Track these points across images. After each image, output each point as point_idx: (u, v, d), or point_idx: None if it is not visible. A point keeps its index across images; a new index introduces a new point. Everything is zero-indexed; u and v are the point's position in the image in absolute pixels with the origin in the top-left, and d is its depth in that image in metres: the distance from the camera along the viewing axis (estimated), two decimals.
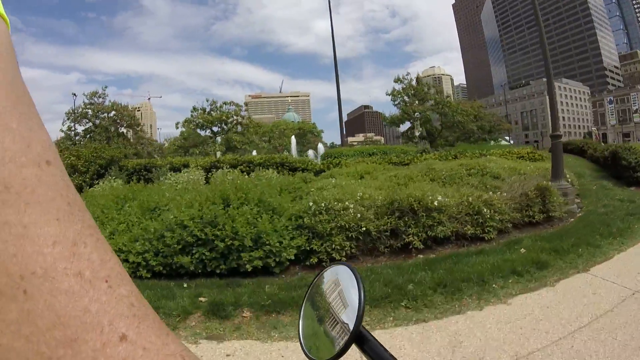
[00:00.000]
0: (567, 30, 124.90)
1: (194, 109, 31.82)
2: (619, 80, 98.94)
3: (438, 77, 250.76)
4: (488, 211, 5.12)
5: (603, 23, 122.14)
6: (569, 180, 7.89)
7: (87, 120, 35.14)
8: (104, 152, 11.07)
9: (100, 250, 0.26)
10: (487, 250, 4.75)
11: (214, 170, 9.87)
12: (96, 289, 0.24)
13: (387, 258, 4.73)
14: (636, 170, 8.92)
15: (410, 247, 4.75)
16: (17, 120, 0.23)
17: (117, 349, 0.23)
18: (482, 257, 4.43)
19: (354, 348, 0.48)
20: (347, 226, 4.56)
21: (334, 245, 4.49)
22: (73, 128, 34.15)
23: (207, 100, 32.28)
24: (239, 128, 33.39)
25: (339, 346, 0.48)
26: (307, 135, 53.51)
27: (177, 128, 35.13)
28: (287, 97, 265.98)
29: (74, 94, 36.99)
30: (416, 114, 29.63)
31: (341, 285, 0.54)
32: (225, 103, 33.21)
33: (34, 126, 0.25)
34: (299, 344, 0.57)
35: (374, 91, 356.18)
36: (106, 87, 37.99)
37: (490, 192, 5.53)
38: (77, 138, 33.22)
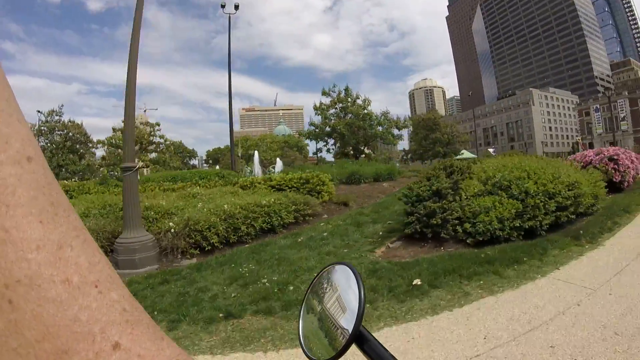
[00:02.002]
0: (557, 39, 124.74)
1: (114, 129, 31.88)
2: (610, 89, 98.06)
3: (429, 90, 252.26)
4: None
5: (594, 32, 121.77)
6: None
7: (44, 138, 35.86)
8: None
9: (88, 252, 0.24)
10: None
11: None
12: (85, 296, 0.23)
13: None
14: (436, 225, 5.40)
15: None
16: None
17: (111, 358, 0.22)
18: None
19: (354, 348, 0.48)
20: None
21: None
22: None
23: (123, 122, 31.97)
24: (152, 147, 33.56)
25: (339, 346, 0.48)
26: (293, 149, 53.37)
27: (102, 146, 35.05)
28: (280, 110, 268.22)
29: (39, 111, 38.24)
30: (327, 128, 28.58)
31: (341, 285, 0.54)
32: (141, 124, 33.32)
33: (13, 121, 0.23)
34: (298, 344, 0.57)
35: (374, 104, 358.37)
36: (62, 105, 38.69)
37: None
38: None
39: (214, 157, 75.18)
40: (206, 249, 5.65)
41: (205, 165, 76.00)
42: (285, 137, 64.71)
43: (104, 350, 0.22)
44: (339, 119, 27.84)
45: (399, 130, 29.68)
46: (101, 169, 32.43)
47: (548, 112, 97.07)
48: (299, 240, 5.95)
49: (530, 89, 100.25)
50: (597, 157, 9.79)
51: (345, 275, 0.54)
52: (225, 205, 6.31)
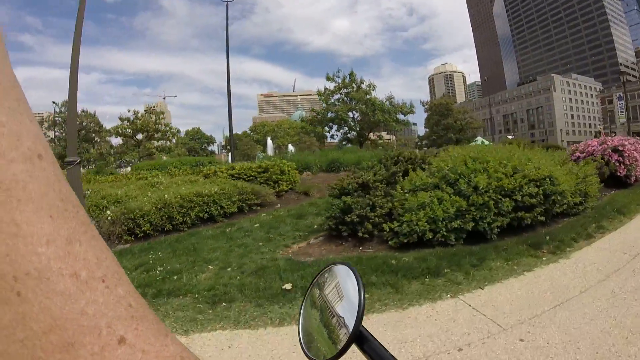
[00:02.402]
0: (580, 23, 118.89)
1: (121, 119, 32.71)
2: (634, 77, 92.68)
3: (449, 75, 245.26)
4: None
5: (618, 17, 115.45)
6: None
7: (59, 128, 37.35)
8: None
9: (96, 248, 0.25)
10: None
11: None
12: (93, 290, 0.23)
13: None
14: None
15: None
16: (6, 113, 0.22)
17: (116, 353, 0.23)
18: None
19: (354, 348, 0.48)
20: None
21: None
22: (47, 135, 36.36)
23: (129, 111, 32.61)
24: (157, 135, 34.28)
25: (339, 346, 0.48)
26: (310, 134, 53.68)
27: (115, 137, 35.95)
28: (298, 95, 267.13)
29: (54, 102, 39.88)
30: (330, 114, 28.26)
31: (341, 285, 0.55)
32: (146, 111, 33.92)
33: (24, 119, 0.23)
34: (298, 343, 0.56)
35: (393, 89, 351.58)
36: None
37: None
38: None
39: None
40: (139, 235, 5.99)
41: (223, 151, 77.34)
42: (302, 123, 65.33)
43: (109, 344, 0.22)
44: (344, 104, 27.76)
45: (405, 116, 29.25)
46: (111, 157, 33.54)
47: (570, 99, 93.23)
48: (227, 230, 6.15)
49: (552, 74, 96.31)
50: (600, 147, 8.84)
51: (345, 275, 0.55)
52: (166, 195, 6.61)
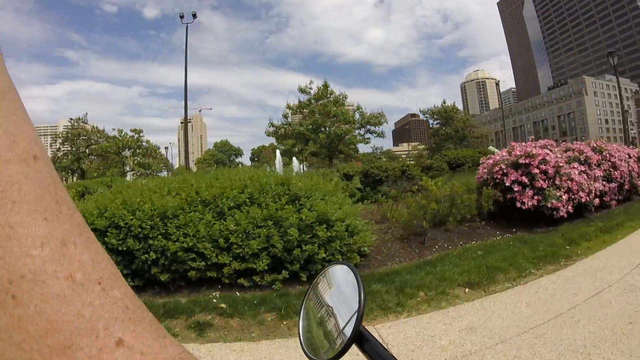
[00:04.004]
0: (612, 20, 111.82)
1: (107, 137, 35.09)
2: None
3: (481, 82, 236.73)
4: None
5: None
6: None
7: (70, 143, 40.23)
8: None
9: (92, 250, 0.24)
10: None
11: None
12: (89, 292, 0.23)
13: None
14: None
15: None
16: (1, 115, 0.22)
17: (114, 355, 0.22)
18: None
19: (354, 348, 0.48)
20: None
21: None
22: (59, 149, 39.52)
23: (114, 129, 34.92)
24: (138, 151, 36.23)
25: (339, 346, 0.48)
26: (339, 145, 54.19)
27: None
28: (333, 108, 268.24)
29: (71, 119, 43.22)
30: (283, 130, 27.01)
31: (341, 285, 0.55)
32: (132, 130, 35.92)
33: (20, 121, 0.23)
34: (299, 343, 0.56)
35: (430, 98, 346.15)
36: (86, 114, 43.23)
37: None
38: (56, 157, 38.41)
39: (257, 154, 78.27)
40: None
41: (250, 162, 79.67)
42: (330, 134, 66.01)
43: (107, 346, 0.22)
44: (307, 118, 26.84)
45: (375, 127, 28.04)
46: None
47: (604, 103, 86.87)
48: None
49: (583, 76, 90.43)
50: (491, 161, 6.35)
51: (346, 275, 0.54)
52: None
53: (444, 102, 44.49)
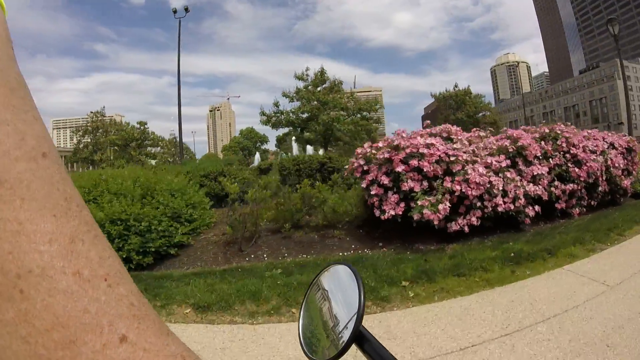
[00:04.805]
0: None
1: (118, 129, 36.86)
2: None
3: (512, 65, 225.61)
4: None
5: None
6: None
7: (91, 135, 42.52)
8: None
9: (99, 247, 0.25)
10: None
11: None
12: (95, 289, 0.23)
13: None
14: None
15: None
16: (10, 112, 0.23)
17: (118, 351, 0.23)
18: None
19: (354, 348, 0.48)
20: None
21: None
22: (79, 142, 41.95)
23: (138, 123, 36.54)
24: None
25: (339, 346, 0.48)
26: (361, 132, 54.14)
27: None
28: (356, 92, 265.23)
29: (91, 112, 45.55)
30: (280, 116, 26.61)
31: (341, 285, 0.55)
32: (139, 122, 37.20)
33: (29, 118, 0.24)
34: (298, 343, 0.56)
35: (461, 82, 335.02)
36: (104, 107, 45.14)
37: None
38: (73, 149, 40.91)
39: (282, 140, 77.87)
40: None
41: (276, 149, 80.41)
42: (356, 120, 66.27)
43: (111, 342, 0.22)
44: (305, 105, 26.71)
45: (369, 113, 27.69)
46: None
47: (638, 88, 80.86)
48: None
49: (616, 59, 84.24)
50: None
51: (345, 275, 0.54)
52: None
53: (456, 86, 43.14)
